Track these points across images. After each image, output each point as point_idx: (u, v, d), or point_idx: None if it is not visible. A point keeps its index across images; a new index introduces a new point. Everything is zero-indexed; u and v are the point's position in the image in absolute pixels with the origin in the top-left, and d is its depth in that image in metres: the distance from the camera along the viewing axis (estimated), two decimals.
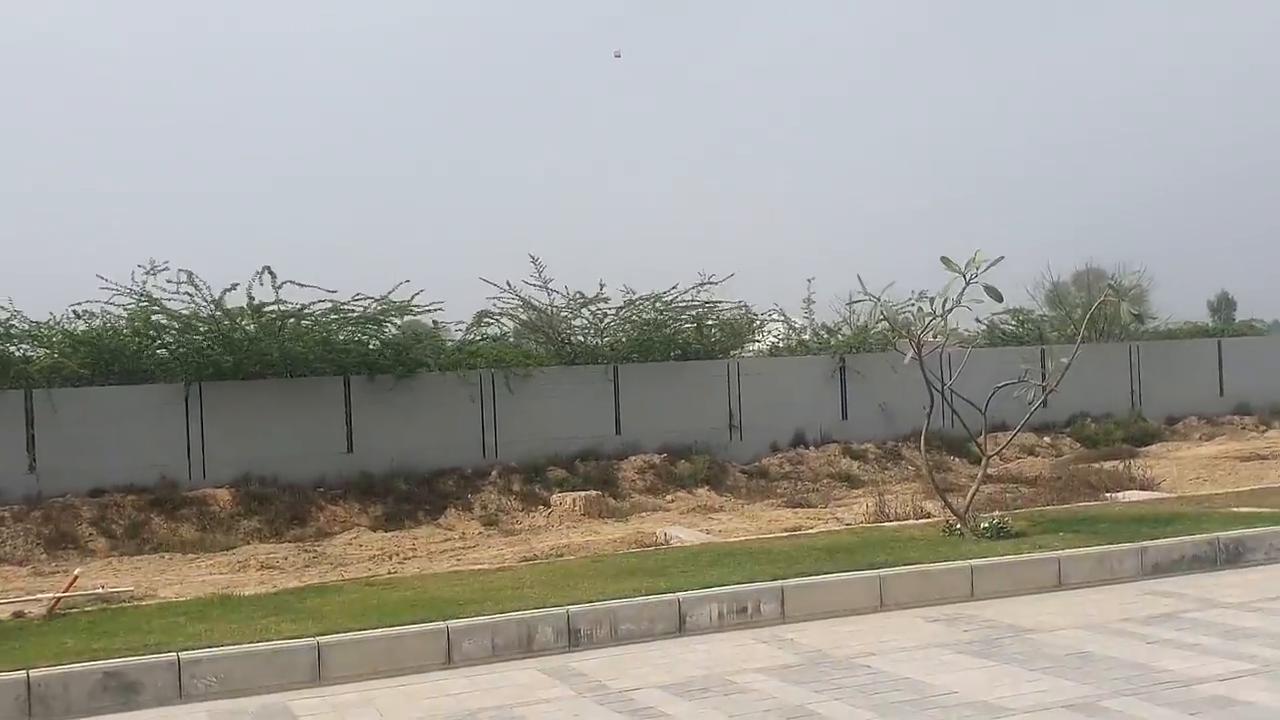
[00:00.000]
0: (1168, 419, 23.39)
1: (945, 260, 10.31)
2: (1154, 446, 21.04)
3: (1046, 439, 21.32)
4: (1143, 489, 15.31)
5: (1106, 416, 22.78)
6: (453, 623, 7.94)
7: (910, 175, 77.90)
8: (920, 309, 11.97)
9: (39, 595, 9.56)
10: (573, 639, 8.13)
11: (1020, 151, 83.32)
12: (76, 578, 9.80)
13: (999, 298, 10.25)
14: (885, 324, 14.85)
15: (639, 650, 8.01)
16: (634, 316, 20.54)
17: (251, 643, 7.58)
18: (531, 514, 16.50)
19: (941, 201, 72.33)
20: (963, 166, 78.93)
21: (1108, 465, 17.57)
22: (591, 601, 8.43)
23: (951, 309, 10.54)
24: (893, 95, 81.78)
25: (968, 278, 10.27)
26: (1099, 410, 22.93)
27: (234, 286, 17.08)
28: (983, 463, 11.40)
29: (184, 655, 7.30)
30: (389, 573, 11.42)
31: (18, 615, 9.06)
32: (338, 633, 7.79)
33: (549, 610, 8.23)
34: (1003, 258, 10.18)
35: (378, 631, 7.82)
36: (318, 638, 7.65)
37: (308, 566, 12.84)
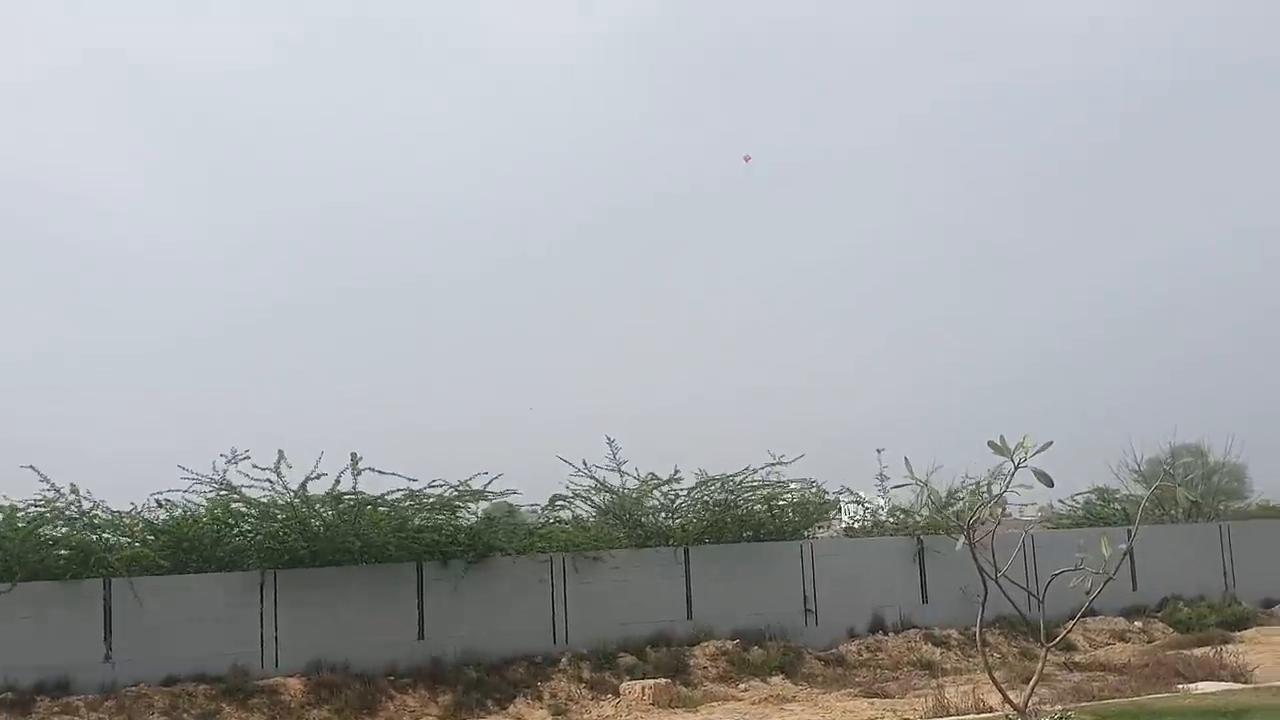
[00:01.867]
0: (1264, 601, 22.40)
1: (993, 444, 10.14)
2: (1249, 631, 20.19)
3: (1138, 624, 20.60)
4: (1234, 678, 14.75)
5: (1199, 600, 21.89)
6: None
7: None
8: (970, 493, 11.75)
9: None
10: None
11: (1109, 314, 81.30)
12: None
13: (1049, 483, 10.00)
14: (950, 507, 14.58)
15: None
16: (706, 497, 20.52)
17: None
18: (600, 702, 16.35)
19: (1016, 377, 70.44)
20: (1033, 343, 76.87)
21: (1199, 652, 16.93)
22: None
23: (1001, 494, 10.36)
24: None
25: (1016, 462, 10.08)
26: (1191, 593, 22.07)
27: (320, 475, 17.40)
28: (1042, 654, 10.99)
29: None
30: None
31: None
32: None
33: None
34: (1051, 443, 9.98)
35: None
36: None
37: None
